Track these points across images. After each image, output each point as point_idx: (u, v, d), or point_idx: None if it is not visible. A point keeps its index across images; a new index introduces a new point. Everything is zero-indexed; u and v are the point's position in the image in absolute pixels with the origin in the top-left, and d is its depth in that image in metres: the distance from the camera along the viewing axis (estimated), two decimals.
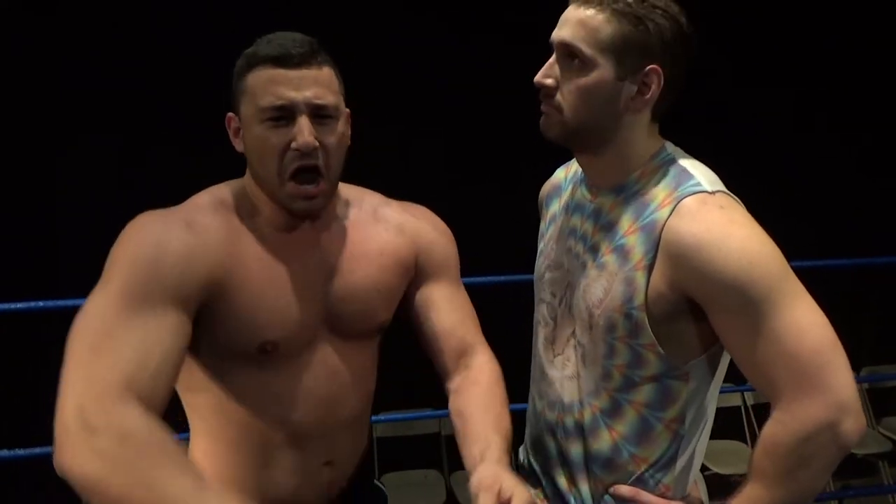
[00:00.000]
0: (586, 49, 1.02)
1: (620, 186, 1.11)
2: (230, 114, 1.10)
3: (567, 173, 1.29)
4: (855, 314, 3.82)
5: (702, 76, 3.37)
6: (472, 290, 1.32)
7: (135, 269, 0.96)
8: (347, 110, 1.11)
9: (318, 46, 1.05)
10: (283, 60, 1.02)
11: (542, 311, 1.23)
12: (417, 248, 1.22)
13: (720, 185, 1.06)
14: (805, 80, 3.52)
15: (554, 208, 1.27)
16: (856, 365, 3.67)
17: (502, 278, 2.30)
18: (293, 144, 1.02)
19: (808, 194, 3.55)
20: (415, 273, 1.23)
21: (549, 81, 1.06)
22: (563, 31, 1.05)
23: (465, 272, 1.32)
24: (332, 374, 1.15)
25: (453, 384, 1.23)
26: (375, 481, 1.30)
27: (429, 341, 1.24)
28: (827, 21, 3.48)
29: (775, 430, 1.00)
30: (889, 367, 3.70)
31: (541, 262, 1.26)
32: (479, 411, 1.15)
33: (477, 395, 1.18)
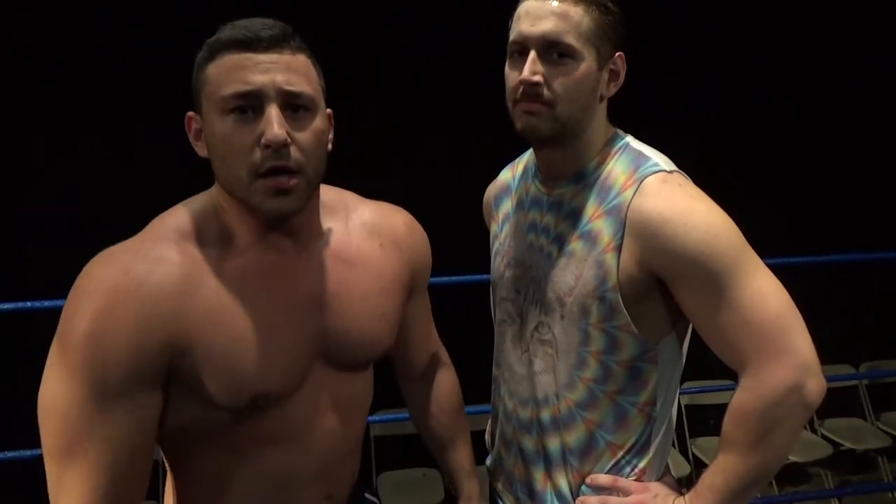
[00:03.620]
0: (574, 41, 1.03)
1: (579, 174, 1.12)
2: (190, 113, 0.95)
3: (514, 172, 1.29)
4: (855, 310, 3.82)
5: (693, 71, 3.37)
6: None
7: (86, 357, 0.84)
8: (329, 110, 0.97)
9: (293, 31, 0.92)
10: (250, 44, 0.87)
11: (506, 310, 1.22)
12: (412, 267, 1.14)
13: (675, 166, 1.09)
14: (800, 77, 3.50)
15: (505, 208, 1.27)
16: (856, 360, 3.68)
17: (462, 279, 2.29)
18: (262, 139, 0.86)
19: (808, 189, 3.54)
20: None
21: (538, 78, 1.03)
22: (544, 25, 1.03)
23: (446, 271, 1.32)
24: (331, 408, 1.05)
25: (416, 389, 1.33)
26: (367, 495, 1.24)
27: (400, 352, 1.25)
28: (820, 17, 3.47)
29: (744, 397, 1.01)
30: (889, 363, 3.69)
31: (498, 263, 1.25)
32: (450, 439, 1.32)
33: (448, 421, 1.32)
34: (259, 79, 0.87)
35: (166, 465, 1.05)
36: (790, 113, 3.50)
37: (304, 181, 0.91)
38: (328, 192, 1.08)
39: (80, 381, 0.84)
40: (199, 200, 1.00)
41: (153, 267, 0.90)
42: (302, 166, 0.90)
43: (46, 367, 0.88)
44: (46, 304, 1.92)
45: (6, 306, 1.95)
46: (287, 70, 0.89)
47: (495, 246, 1.28)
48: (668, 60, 3.11)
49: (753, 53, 3.43)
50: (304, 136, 0.90)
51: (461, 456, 1.31)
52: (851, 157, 3.66)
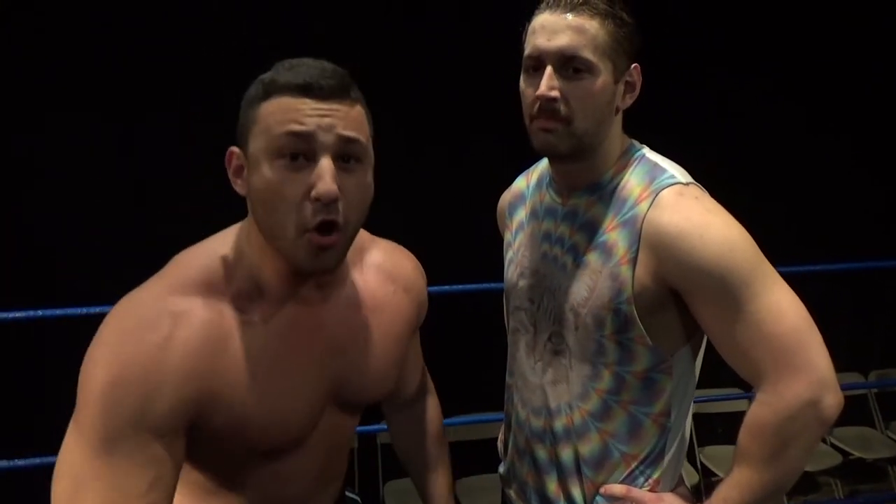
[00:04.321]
0: (591, 56, 1.02)
1: (594, 186, 1.12)
2: (232, 148, 0.91)
3: (528, 180, 1.28)
4: (864, 318, 3.80)
5: (707, 80, 3.37)
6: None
7: (102, 406, 0.82)
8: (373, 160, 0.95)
9: (351, 80, 0.89)
10: (309, 90, 0.84)
11: (520, 319, 1.22)
12: (419, 310, 1.16)
13: (690, 178, 1.09)
14: (810, 84, 3.50)
15: (520, 216, 1.27)
16: (865, 369, 3.66)
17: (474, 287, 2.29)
18: (313, 193, 0.83)
19: (817, 197, 3.54)
20: None
21: (555, 94, 1.03)
22: (560, 40, 1.02)
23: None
24: (332, 444, 1.07)
25: (401, 416, 1.34)
26: (347, 493, 1.25)
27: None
28: (833, 22, 3.47)
29: (760, 411, 1.00)
30: None
31: (512, 271, 1.25)
32: (433, 466, 1.32)
33: (430, 447, 1.33)
34: (315, 122, 0.84)
35: None
36: (801, 120, 3.50)
37: (345, 238, 0.89)
38: None
39: (89, 431, 0.81)
40: (224, 241, 0.97)
41: (178, 324, 0.87)
42: (347, 221, 0.87)
43: (66, 435, 0.85)
44: (58, 312, 1.94)
45: (17, 314, 1.96)
46: (345, 118, 0.86)
47: (509, 254, 1.28)
48: (677, 67, 3.12)
49: (763, 59, 3.43)
50: (352, 191, 0.87)
51: (441, 483, 1.31)
52: (861, 164, 3.65)
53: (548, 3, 1.06)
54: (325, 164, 0.84)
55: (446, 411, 1.38)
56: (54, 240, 2.82)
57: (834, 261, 2.59)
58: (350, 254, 1.01)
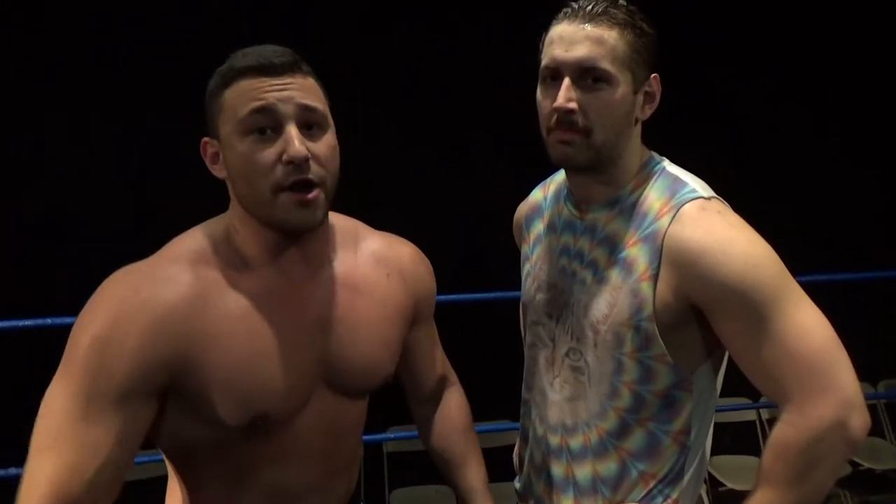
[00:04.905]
0: (609, 66, 1.00)
1: (614, 200, 1.10)
2: (205, 139, 0.99)
3: (546, 192, 1.26)
4: (874, 327, 3.78)
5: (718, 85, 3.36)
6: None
7: (87, 362, 0.89)
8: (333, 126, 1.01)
9: (300, 57, 0.96)
10: (265, 69, 0.92)
11: (538, 333, 1.20)
12: (416, 297, 1.16)
13: (712, 192, 1.06)
14: (820, 91, 3.50)
15: (537, 229, 1.24)
16: (874, 379, 3.63)
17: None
18: (284, 156, 0.91)
19: (825, 206, 3.52)
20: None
21: (573, 105, 1.01)
22: (578, 50, 1.00)
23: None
24: (329, 430, 1.07)
25: (425, 412, 1.32)
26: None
27: (409, 377, 1.27)
28: (846, 28, 3.46)
29: (785, 432, 0.97)
30: None
31: (529, 285, 1.23)
32: (462, 458, 1.28)
33: (458, 440, 1.30)
34: (276, 95, 0.92)
35: (169, 469, 1.10)
36: (808, 127, 3.50)
37: (324, 193, 0.95)
38: (338, 220, 1.10)
39: (75, 387, 0.88)
40: (213, 224, 1.03)
41: (164, 286, 0.94)
42: (322, 178, 0.94)
43: (55, 375, 0.91)
44: (69, 320, 1.94)
45: (27, 323, 1.98)
46: (301, 89, 0.94)
47: (526, 268, 1.26)
48: (683, 69, 3.12)
49: (768, 62, 3.43)
50: (320, 150, 0.94)
51: (474, 476, 1.28)
52: (871, 173, 3.64)
53: (566, 14, 1.04)
54: (292, 130, 0.92)
55: None
56: (54, 240, 2.84)
57: (841, 269, 2.59)
58: (343, 238, 1.09)
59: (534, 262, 1.23)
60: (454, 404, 1.34)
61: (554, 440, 1.16)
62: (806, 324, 0.96)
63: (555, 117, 1.03)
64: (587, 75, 1.01)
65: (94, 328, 0.90)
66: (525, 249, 1.28)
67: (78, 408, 0.88)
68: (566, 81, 1.01)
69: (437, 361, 1.31)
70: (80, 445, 0.87)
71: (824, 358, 0.95)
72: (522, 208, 1.32)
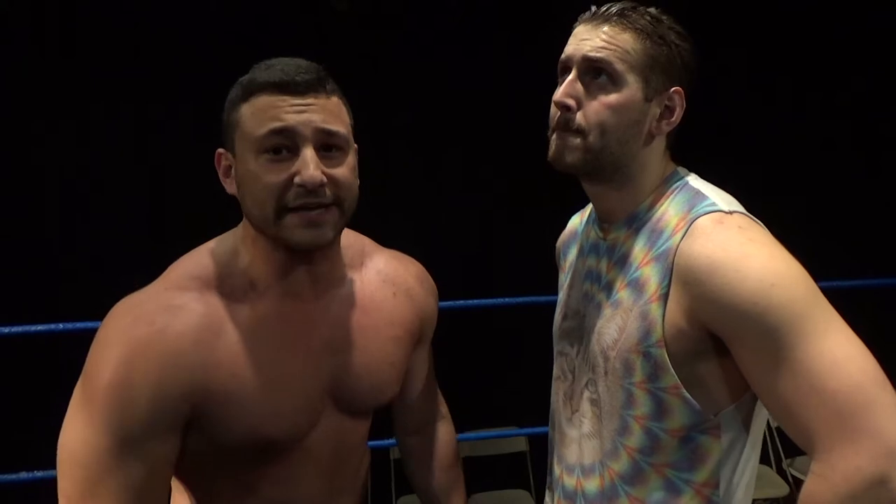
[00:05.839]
0: (618, 65, 0.95)
1: (632, 217, 1.02)
2: (220, 150, 0.97)
3: (582, 218, 1.21)
4: (882, 337, 3.73)
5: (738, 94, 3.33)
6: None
7: (109, 404, 0.87)
8: (356, 146, 0.99)
9: (326, 73, 0.93)
10: (286, 87, 0.88)
11: (560, 365, 1.12)
12: (422, 319, 1.15)
13: (738, 206, 0.96)
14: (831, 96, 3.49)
15: (571, 255, 1.18)
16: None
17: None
18: (296, 179, 0.88)
19: (842, 212, 3.50)
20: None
21: (571, 102, 0.97)
22: (587, 46, 0.97)
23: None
24: (336, 449, 1.06)
25: (413, 443, 1.30)
26: None
27: (399, 401, 1.24)
28: (862, 34, 3.46)
29: (815, 487, 0.82)
30: None
31: (557, 313, 1.16)
32: (446, 494, 1.28)
33: (442, 478, 1.28)
34: (295, 118, 0.88)
35: (174, 484, 1.09)
36: (817, 136, 3.48)
37: (339, 212, 0.93)
38: (347, 237, 1.08)
39: (102, 430, 0.87)
40: (220, 244, 1.01)
41: (174, 317, 0.92)
42: (339, 199, 0.92)
43: (69, 412, 0.90)
44: (79, 325, 1.96)
45: (38, 328, 2.00)
46: (322, 111, 0.90)
47: (560, 296, 1.18)
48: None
49: (775, 65, 3.42)
50: (339, 172, 0.92)
51: None
52: (887, 178, 3.62)
53: (586, 16, 1.02)
54: (308, 153, 0.89)
55: (460, 430, 1.33)
56: (61, 245, 2.85)
57: (846, 277, 2.57)
58: (351, 257, 1.08)
59: (565, 290, 1.17)
60: (443, 440, 1.31)
61: (569, 483, 1.07)
62: (834, 353, 0.81)
63: (556, 117, 0.99)
64: (594, 71, 0.97)
65: (111, 367, 0.88)
66: (561, 277, 1.22)
67: (109, 452, 0.87)
68: (571, 75, 0.98)
69: (431, 389, 1.29)
70: (122, 490, 0.87)
71: (858, 398, 0.79)
72: (562, 237, 1.26)
